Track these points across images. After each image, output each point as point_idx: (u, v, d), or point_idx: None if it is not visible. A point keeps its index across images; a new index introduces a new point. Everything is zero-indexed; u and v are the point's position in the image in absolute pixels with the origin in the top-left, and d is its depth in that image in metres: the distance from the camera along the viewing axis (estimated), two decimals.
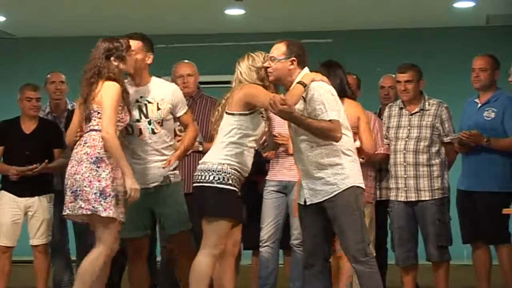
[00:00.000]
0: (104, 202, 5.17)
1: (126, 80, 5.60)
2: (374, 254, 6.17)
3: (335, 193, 5.12)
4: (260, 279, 6.40)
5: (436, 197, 6.39)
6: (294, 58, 5.22)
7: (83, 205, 5.20)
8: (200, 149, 6.14)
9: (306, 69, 5.27)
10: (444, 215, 6.42)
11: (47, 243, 6.88)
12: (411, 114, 6.49)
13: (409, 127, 6.47)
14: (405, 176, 6.41)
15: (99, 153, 5.20)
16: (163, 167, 5.55)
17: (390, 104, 6.72)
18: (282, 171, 6.31)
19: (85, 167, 5.20)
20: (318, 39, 9.01)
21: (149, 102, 5.62)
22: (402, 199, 6.43)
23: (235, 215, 5.30)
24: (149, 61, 5.63)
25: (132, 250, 5.74)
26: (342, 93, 5.81)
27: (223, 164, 5.22)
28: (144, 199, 5.49)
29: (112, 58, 5.31)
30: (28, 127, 6.91)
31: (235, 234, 5.58)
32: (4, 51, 10.04)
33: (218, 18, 9.13)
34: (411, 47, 9.24)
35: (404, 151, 6.42)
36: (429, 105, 6.49)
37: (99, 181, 5.17)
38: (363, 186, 5.22)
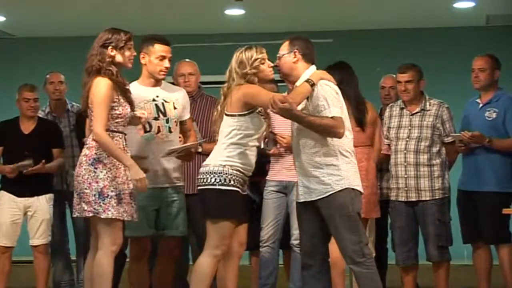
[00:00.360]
0: (103, 203, 5.14)
1: (138, 80, 5.65)
2: (374, 254, 6.20)
3: (329, 193, 5.11)
4: (260, 279, 6.40)
5: (437, 197, 6.39)
6: (296, 50, 5.23)
7: (85, 208, 5.17)
8: (200, 150, 6.13)
9: (313, 67, 5.27)
10: (445, 215, 6.41)
11: (47, 243, 6.88)
12: (412, 114, 6.48)
13: (409, 127, 6.47)
14: (406, 176, 6.41)
15: (96, 154, 5.17)
16: (173, 151, 5.56)
17: (391, 104, 6.72)
18: (282, 171, 6.30)
19: (84, 169, 5.18)
20: (318, 39, 8.95)
21: (166, 101, 5.68)
22: (403, 199, 6.42)
23: (237, 215, 5.29)
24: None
25: (136, 249, 5.73)
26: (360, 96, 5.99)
27: (224, 165, 5.22)
28: (153, 198, 5.53)
29: (109, 48, 5.25)
30: (27, 127, 6.91)
31: (241, 235, 5.58)
32: (4, 51, 10.04)
33: (218, 18, 9.12)
34: (411, 47, 9.24)
35: (405, 151, 6.42)
36: (430, 105, 6.49)
37: (97, 182, 5.14)
38: (359, 188, 5.20)
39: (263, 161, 6.30)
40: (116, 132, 5.23)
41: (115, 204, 5.15)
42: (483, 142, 6.28)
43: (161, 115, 5.66)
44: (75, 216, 5.30)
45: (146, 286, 5.78)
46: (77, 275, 7.28)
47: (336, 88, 5.19)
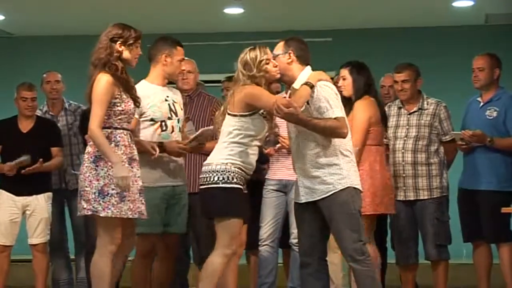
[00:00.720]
0: (103, 201, 5.09)
1: (148, 79, 5.66)
2: None
3: (331, 192, 5.12)
4: (259, 278, 6.40)
5: (435, 196, 6.39)
6: (291, 51, 5.24)
7: (85, 206, 5.12)
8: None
9: (308, 68, 5.27)
10: (443, 214, 6.42)
11: (46, 242, 6.87)
12: (410, 113, 6.48)
13: (407, 126, 6.46)
14: (404, 175, 6.40)
15: (97, 151, 5.13)
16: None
17: (389, 103, 6.72)
18: (282, 170, 6.30)
19: (86, 166, 5.14)
20: (318, 38, 9.00)
21: (174, 102, 5.73)
22: (401, 198, 6.42)
23: (243, 213, 5.31)
24: None
25: (146, 246, 5.69)
26: (372, 92, 6.00)
27: (226, 163, 5.20)
28: (167, 196, 5.58)
29: (118, 43, 5.21)
30: (26, 126, 6.90)
31: (241, 234, 5.57)
32: (2, 49, 10.04)
33: (217, 17, 9.13)
34: (410, 46, 9.24)
35: (403, 150, 6.42)
36: (427, 104, 6.49)
37: (97, 180, 5.10)
38: (359, 187, 5.22)
39: (263, 160, 6.30)
40: (120, 129, 5.19)
41: (115, 203, 5.10)
42: (484, 141, 6.28)
43: (173, 115, 5.69)
44: (78, 214, 5.26)
45: (149, 284, 5.78)
46: (75, 274, 7.29)
47: (335, 88, 5.20)
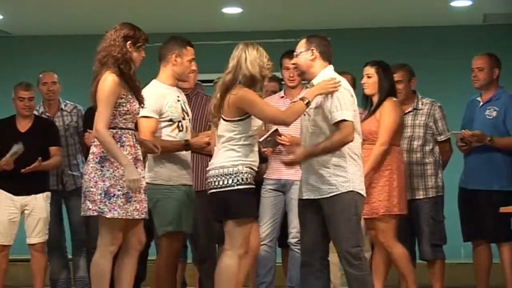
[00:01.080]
0: (109, 202, 5.05)
1: (159, 79, 5.68)
2: (371, 253, 6.22)
3: (332, 194, 5.13)
4: (257, 277, 6.40)
5: (430, 196, 6.41)
6: (313, 48, 5.26)
7: (90, 206, 5.08)
8: None
9: (331, 67, 5.30)
10: (438, 214, 6.43)
11: (44, 241, 6.87)
12: (405, 114, 6.46)
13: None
14: None
15: (103, 151, 5.09)
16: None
17: None
18: (280, 169, 6.31)
19: (91, 167, 5.10)
20: None
21: (184, 102, 5.76)
22: None
23: (256, 212, 5.41)
24: None
25: (178, 245, 5.72)
26: (395, 93, 6.08)
27: (237, 165, 5.20)
28: (186, 195, 5.60)
29: (129, 42, 5.18)
30: (24, 125, 6.90)
31: (256, 232, 5.68)
32: (0, 49, 10.03)
33: (216, 16, 9.12)
34: (408, 45, 9.24)
35: None
36: (422, 104, 6.50)
37: (103, 181, 5.06)
38: (363, 193, 5.24)
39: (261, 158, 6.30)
40: (125, 129, 5.16)
41: (121, 204, 5.06)
42: (484, 140, 6.28)
43: (185, 115, 5.72)
44: (81, 214, 5.23)
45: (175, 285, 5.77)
46: (73, 273, 7.28)
47: (351, 88, 5.25)
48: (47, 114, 7.25)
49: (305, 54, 5.30)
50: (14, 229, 6.82)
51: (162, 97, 5.60)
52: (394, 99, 6.05)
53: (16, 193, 6.79)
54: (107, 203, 5.05)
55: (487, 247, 6.46)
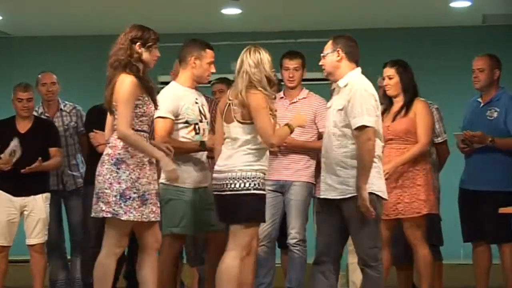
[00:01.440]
0: (124, 205, 5.04)
1: (178, 81, 5.69)
2: None
3: (351, 195, 5.16)
4: (256, 278, 6.39)
5: None
6: (339, 49, 5.27)
7: (104, 208, 5.07)
8: None
9: (358, 70, 5.33)
10: (434, 216, 6.43)
11: (43, 242, 6.86)
12: None
13: None
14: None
15: (119, 153, 5.08)
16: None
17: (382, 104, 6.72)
18: (279, 170, 6.31)
19: (106, 168, 5.08)
20: (315, 38, 8.99)
21: (203, 104, 5.77)
22: None
23: (265, 216, 5.43)
24: None
25: (212, 245, 5.74)
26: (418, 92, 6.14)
27: (256, 170, 5.27)
28: (202, 197, 5.59)
29: (137, 44, 5.19)
30: (23, 126, 6.89)
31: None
32: (0, 50, 10.03)
33: (215, 17, 9.12)
34: (407, 46, 9.23)
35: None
36: None
37: (119, 183, 5.05)
38: (381, 194, 5.24)
39: None
40: (140, 131, 5.16)
41: (137, 206, 5.06)
42: (486, 141, 6.28)
43: (203, 117, 5.72)
44: (92, 215, 5.21)
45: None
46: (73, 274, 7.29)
47: (376, 95, 5.28)
48: (46, 114, 7.25)
49: (331, 55, 5.32)
50: (13, 230, 6.81)
51: (179, 99, 5.62)
52: (423, 100, 6.11)
53: (16, 194, 6.78)
54: (122, 205, 5.04)
55: (487, 248, 6.46)
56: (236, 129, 5.29)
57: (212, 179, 5.42)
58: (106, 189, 5.06)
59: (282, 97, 6.49)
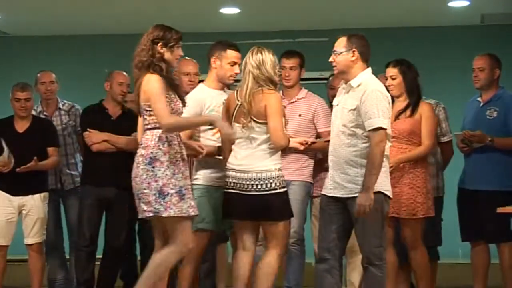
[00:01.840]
0: (164, 201, 5.07)
1: (205, 83, 5.72)
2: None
3: (359, 193, 5.16)
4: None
5: None
6: (355, 49, 5.28)
7: (145, 208, 5.10)
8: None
9: (369, 70, 5.36)
10: (436, 215, 6.43)
11: (42, 242, 6.87)
12: None
13: None
14: None
15: (152, 152, 5.11)
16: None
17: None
18: None
19: (142, 169, 5.11)
20: (313, 38, 9.00)
21: None
22: None
23: None
24: None
25: (234, 241, 5.79)
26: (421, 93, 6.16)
27: (278, 169, 5.37)
28: (219, 196, 5.60)
29: (159, 44, 5.22)
30: (21, 126, 6.89)
31: None
32: None
33: (213, 16, 9.12)
34: (406, 46, 9.23)
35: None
36: None
37: (156, 181, 5.08)
38: (388, 193, 5.27)
39: None
40: None
41: (176, 202, 5.09)
42: (485, 141, 6.28)
43: None
44: (139, 217, 5.23)
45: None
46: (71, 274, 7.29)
47: (389, 97, 5.32)
48: (45, 113, 7.26)
49: (346, 54, 5.33)
50: (12, 230, 6.81)
51: (201, 101, 5.65)
52: (429, 102, 6.15)
53: (14, 193, 6.78)
54: (162, 202, 5.07)
55: (486, 247, 6.46)
56: (252, 130, 5.35)
57: (225, 177, 5.47)
58: (144, 189, 5.09)
59: (281, 97, 6.48)
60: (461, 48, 9.01)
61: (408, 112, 6.05)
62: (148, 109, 5.17)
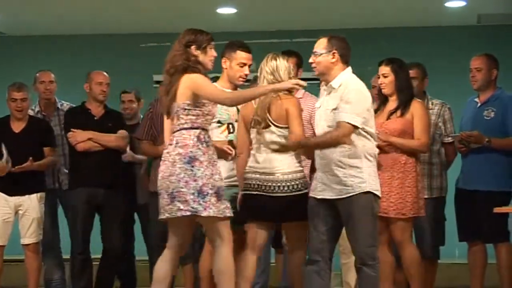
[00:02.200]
0: (203, 201, 5.06)
1: (217, 83, 5.68)
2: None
3: (349, 194, 5.19)
4: None
5: (434, 196, 6.42)
6: (335, 51, 5.27)
7: (181, 207, 5.08)
8: None
9: (349, 69, 5.34)
10: (440, 215, 6.43)
11: (38, 242, 6.86)
12: None
13: None
14: None
15: (191, 152, 5.10)
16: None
17: None
18: None
19: (179, 167, 5.09)
20: (310, 38, 8.98)
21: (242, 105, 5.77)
22: None
23: None
24: None
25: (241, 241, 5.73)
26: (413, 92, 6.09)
27: (301, 171, 5.41)
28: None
29: (192, 47, 5.23)
30: (18, 126, 6.89)
31: None
32: None
33: (210, 16, 9.12)
34: (402, 46, 9.23)
35: None
36: (432, 104, 6.53)
37: (195, 180, 5.07)
38: (378, 193, 5.28)
39: None
40: (206, 130, 5.21)
41: (215, 202, 5.09)
42: (482, 141, 6.27)
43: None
44: (164, 217, 5.18)
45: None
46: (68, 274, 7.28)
47: (369, 94, 5.31)
48: (43, 113, 7.25)
49: (326, 56, 5.32)
50: (8, 230, 6.81)
51: None
52: (420, 100, 6.10)
53: (10, 193, 6.78)
54: (201, 202, 5.07)
55: (483, 247, 6.46)
56: (271, 134, 5.37)
57: (246, 180, 5.47)
58: (181, 188, 5.07)
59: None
60: (458, 48, 9.02)
61: (399, 112, 6.02)
62: (187, 107, 5.15)
